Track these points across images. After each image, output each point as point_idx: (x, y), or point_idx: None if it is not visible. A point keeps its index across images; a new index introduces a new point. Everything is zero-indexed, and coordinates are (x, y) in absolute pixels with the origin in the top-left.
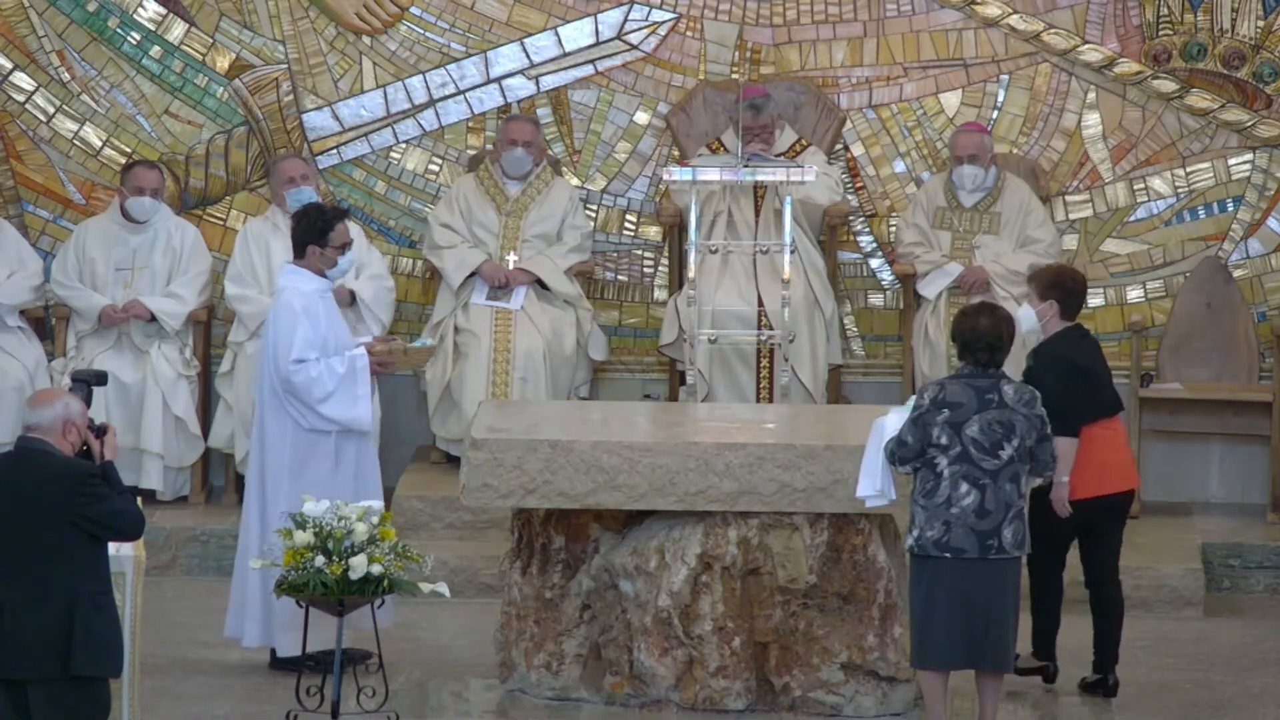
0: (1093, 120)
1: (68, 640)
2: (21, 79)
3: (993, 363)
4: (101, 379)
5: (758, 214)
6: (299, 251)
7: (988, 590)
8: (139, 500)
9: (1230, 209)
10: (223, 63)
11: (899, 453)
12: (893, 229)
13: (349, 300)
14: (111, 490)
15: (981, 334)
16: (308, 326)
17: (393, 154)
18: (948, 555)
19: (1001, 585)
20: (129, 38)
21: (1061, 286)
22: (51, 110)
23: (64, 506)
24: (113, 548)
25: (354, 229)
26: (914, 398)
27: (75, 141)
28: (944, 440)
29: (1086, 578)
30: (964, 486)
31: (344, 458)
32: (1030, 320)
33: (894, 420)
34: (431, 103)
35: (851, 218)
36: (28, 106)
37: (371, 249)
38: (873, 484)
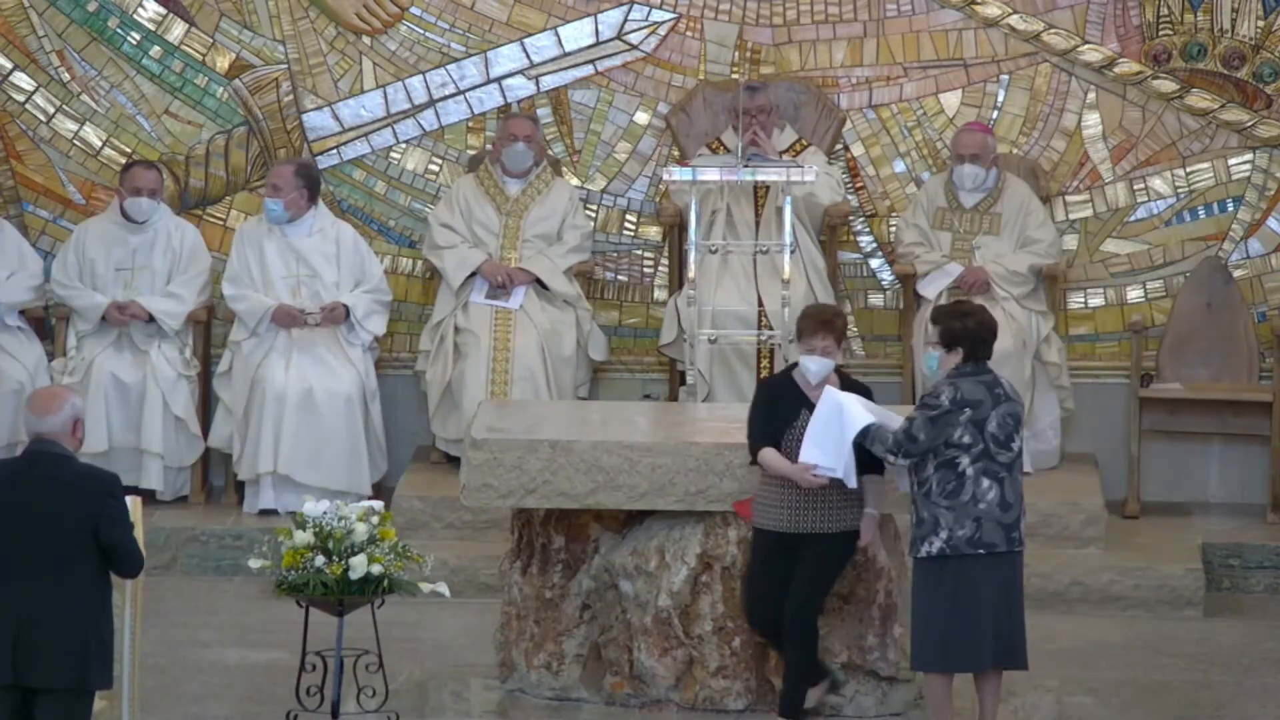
0: (1093, 120)
1: (84, 653)
2: (21, 79)
3: (989, 355)
4: None
5: (758, 213)
6: None
7: (1008, 585)
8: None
9: (1230, 209)
10: (223, 63)
11: (907, 447)
12: (893, 229)
13: (343, 315)
14: (128, 513)
15: (991, 329)
16: None
17: (393, 154)
18: (981, 552)
19: (1019, 579)
20: (129, 38)
21: None
22: (51, 110)
23: (88, 515)
24: None
25: (350, 236)
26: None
27: (75, 141)
28: (967, 439)
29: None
30: (986, 482)
31: None
32: None
33: (858, 408)
34: (431, 103)
35: (851, 218)
36: (28, 106)
37: (370, 259)
38: (835, 461)
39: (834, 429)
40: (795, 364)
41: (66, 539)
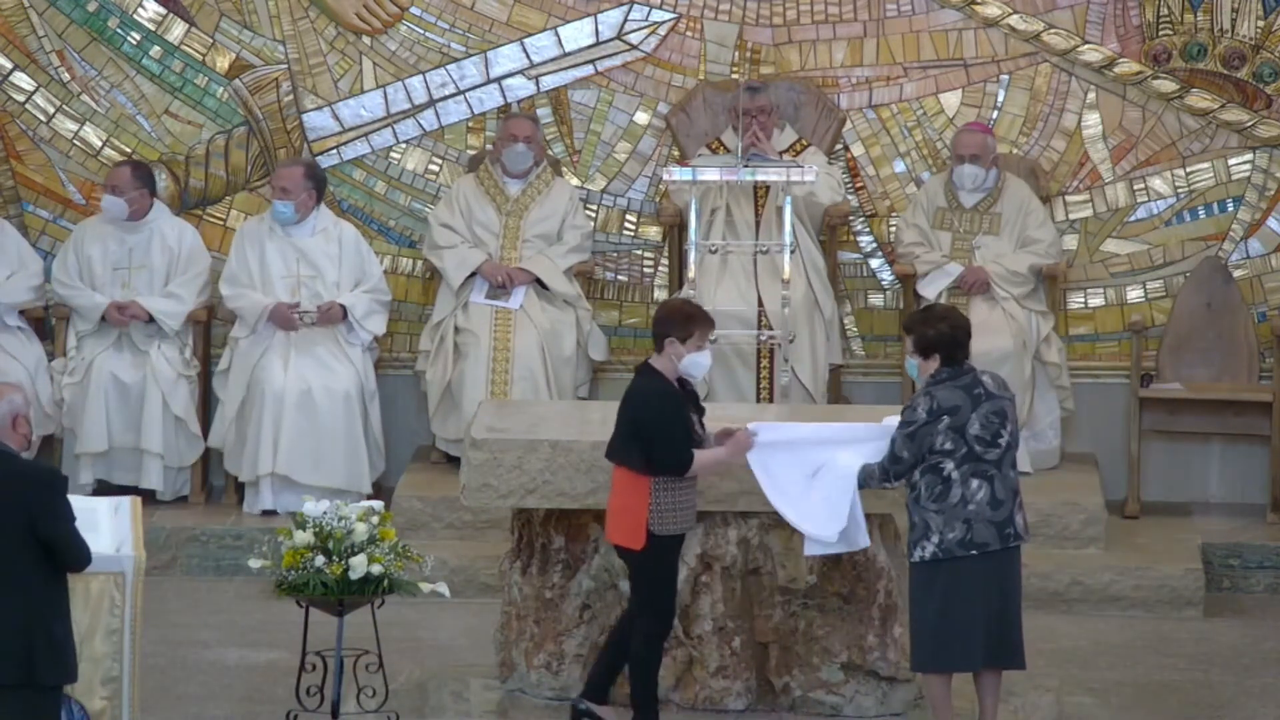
0: (1093, 120)
1: (30, 648)
2: (21, 79)
3: (967, 356)
4: None
5: (758, 213)
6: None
7: (1004, 583)
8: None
9: (1230, 209)
10: (223, 63)
11: (894, 469)
12: (893, 229)
13: (339, 315)
14: (69, 509)
15: (965, 330)
16: None
17: (393, 154)
18: (974, 552)
19: (1015, 576)
20: (129, 38)
21: None
22: (51, 110)
23: (25, 510)
24: (112, 546)
25: (352, 236)
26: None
27: (75, 141)
28: (948, 446)
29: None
30: (974, 483)
31: None
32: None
33: (854, 459)
34: (431, 103)
35: (851, 218)
36: (28, 106)
37: (371, 259)
38: (856, 529)
39: (841, 503)
40: (646, 365)
41: (6, 535)
